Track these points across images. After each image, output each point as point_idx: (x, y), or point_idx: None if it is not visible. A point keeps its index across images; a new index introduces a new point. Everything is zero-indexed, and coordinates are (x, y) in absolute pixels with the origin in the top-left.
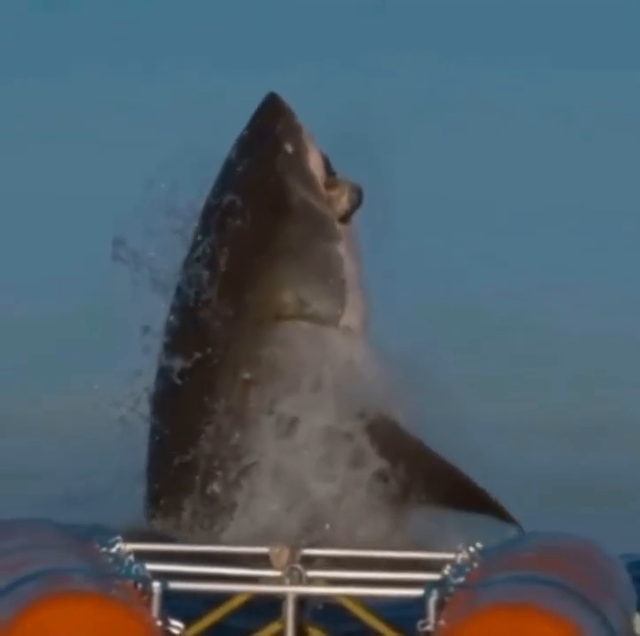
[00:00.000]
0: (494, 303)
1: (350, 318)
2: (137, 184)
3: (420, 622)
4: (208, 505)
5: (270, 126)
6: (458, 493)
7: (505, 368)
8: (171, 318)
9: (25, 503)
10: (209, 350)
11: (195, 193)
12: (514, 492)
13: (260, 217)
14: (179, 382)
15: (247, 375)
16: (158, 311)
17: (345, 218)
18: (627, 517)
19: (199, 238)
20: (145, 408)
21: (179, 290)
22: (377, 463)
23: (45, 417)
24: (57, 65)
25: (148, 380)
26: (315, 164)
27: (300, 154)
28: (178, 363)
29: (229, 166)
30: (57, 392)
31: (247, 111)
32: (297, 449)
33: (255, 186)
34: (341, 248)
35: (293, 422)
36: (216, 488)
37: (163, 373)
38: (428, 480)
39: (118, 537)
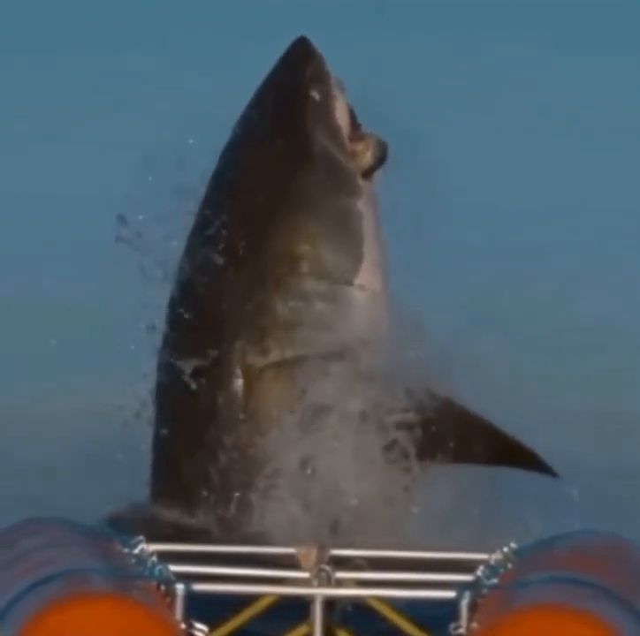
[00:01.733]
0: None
1: (367, 277)
2: (138, 168)
3: (452, 625)
4: (226, 507)
5: (297, 71)
6: (495, 446)
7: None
8: (180, 282)
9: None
10: (221, 309)
11: (199, 177)
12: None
13: (278, 166)
14: (187, 353)
15: (263, 341)
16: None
17: (368, 174)
18: None
19: (213, 188)
20: (151, 412)
21: (189, 249)
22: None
23: (47, 415)
24: (49, 44)
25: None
26: (341, 114)
27: (326, 102)
28: (186, 329)
29: (250, 111)
30: (61, 391)
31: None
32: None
33: (275, 133)
34: (361, 204)
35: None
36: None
37: (169, 345)
38: (464, 435)
39: (141, 537)
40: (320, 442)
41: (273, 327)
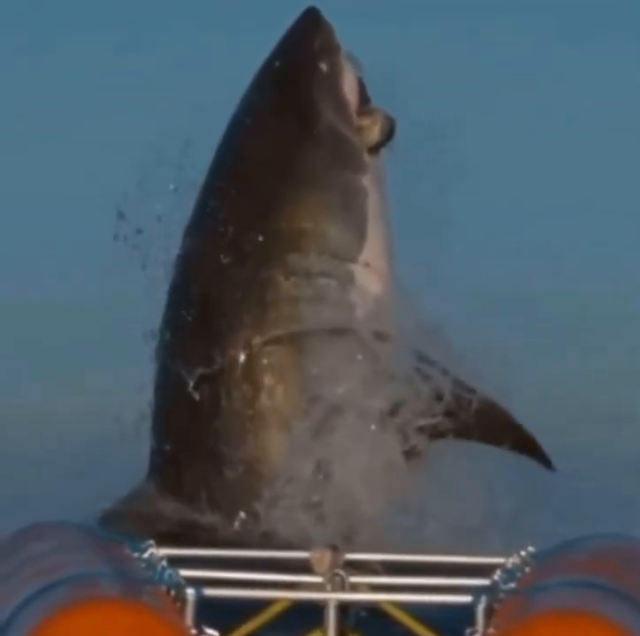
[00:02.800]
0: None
1: (372, 255)
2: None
3: (468, 630)
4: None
5: (305, 42)
6: (497, 426)
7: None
8: (181, 260)
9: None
10: (222, 284)
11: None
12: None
13: (282, 140)
14: (186, 335)
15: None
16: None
17: (374, 150)
18: None
19: (217, 162)
20: (149, 423)
21: (191, 225)
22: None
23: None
24: (47, 36)
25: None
26: (349, 88)
27: (334, 74)
28: (186, 306)
29: (257, 82)
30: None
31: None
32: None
33: (280, 105)
34: (367, 181)
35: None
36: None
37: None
38: (486, 424)
39: (151, 542)
40: (334, 445)
41: (276, 304)
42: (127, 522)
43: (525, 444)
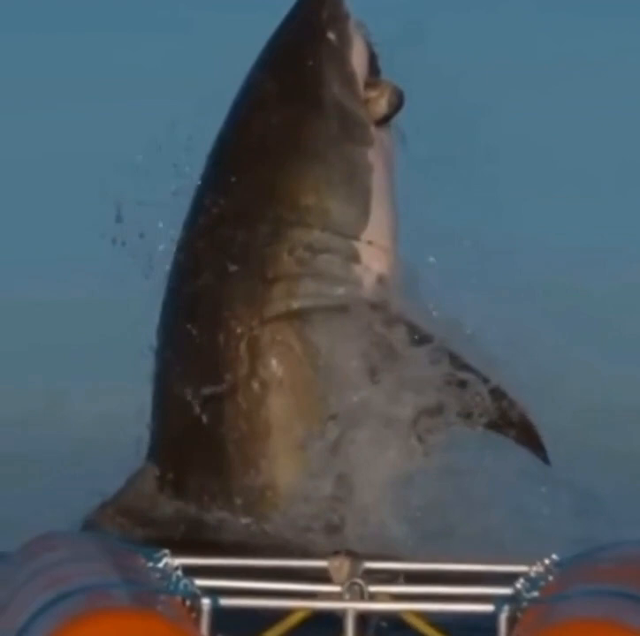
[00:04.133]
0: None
1: (374, 233)
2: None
3: None
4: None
5: (313, 11)
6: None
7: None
8: (186, 234)
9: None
10: (225, 264)
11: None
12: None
13: (286, 111)
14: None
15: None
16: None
17: (382, 122)
18: None
19: (223, 135)
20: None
21: (196, 197)
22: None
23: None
24: (55, 20)
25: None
26: (357, 59)
27: (342, 44)
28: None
29: (263, 53)
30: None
31: None
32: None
33: (287, 76)
34: (372, 155)
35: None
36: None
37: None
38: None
39: (166, 551)
40: (353, 453)
41: (279, 280)
42: (125, 521)
43: (527, 433)
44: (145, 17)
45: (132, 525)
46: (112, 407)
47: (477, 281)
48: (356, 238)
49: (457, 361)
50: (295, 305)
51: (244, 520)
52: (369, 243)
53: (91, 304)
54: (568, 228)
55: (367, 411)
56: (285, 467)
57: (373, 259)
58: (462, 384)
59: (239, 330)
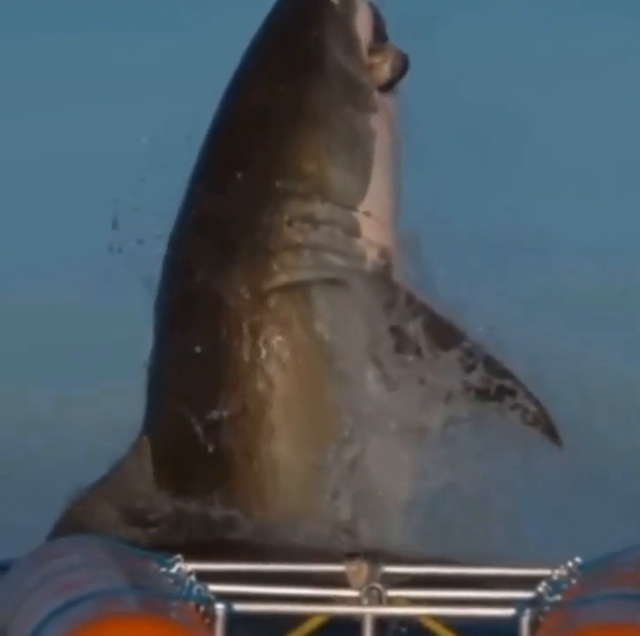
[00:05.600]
0: None
1: (374, 204)
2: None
3: None
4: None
5: None
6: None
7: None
8: (186, 203)
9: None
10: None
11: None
12: None
13: (289, 77)
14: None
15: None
16: None
17: (386, 88)
18: None
19: (225, 101)
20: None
21: (197, 166)
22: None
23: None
24: (55, 20)
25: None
26: (361, 24)
27: (346, 9)
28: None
29: (267, 17)
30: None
31: None
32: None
33: (289, 41)
34: (376, 122)
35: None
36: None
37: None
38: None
39: (179, 556)
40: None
41: (277, 251)
42: (116, 518)
43: (536, 415)
44: (145, 17)
45: (125, 523)
46: (116, 413)
47: (477, 280)
48: (356, 208)
49: (494, 366)
50: (296, 277)
51: (251, 522)
52: (368, 214)
53: (84, 306)
54: (568, 228)
55: (387, 419)
56: (294, 467)
57: (371, 231)
58: (500, 393)
59: (239, 307)
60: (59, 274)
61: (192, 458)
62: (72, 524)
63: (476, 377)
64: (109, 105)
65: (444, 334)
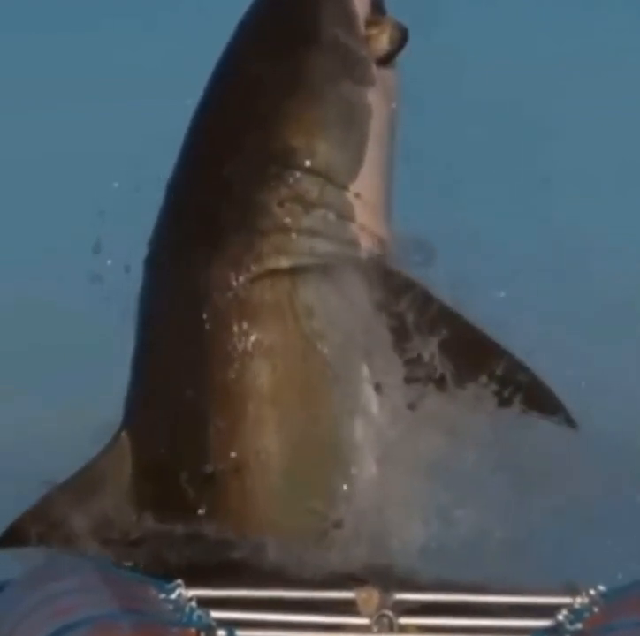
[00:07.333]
0: None
1: (365, 185)
2: None
3: None
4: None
5: None
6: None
7: None
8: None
9: None
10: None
11: None
12: None
13: (281, 48)
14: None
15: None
16: None
17: (385, 61)
18: None
19: (213, 76)
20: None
21: (185, 142)
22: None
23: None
24: (55, 20)
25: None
26: None
27: None
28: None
29: None
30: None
31: None
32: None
33: (282, 11)
34: (372, 96)
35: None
36: None
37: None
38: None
39: (179, 581)
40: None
41: (268, 231)
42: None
43: (545, 401)
44: (144, 17)
45: (98, 533)
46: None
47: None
48: (348, 187)
49: (511, 361)
50: (287, 261)
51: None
52: (357, 196)
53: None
54: (568, 228)
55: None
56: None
57: (360, 213)
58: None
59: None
60: (59, 274)
61: (174, 460)
62: (31, 528)
63: (496, 371)
64: (109, 105)
65: (451, 325)
